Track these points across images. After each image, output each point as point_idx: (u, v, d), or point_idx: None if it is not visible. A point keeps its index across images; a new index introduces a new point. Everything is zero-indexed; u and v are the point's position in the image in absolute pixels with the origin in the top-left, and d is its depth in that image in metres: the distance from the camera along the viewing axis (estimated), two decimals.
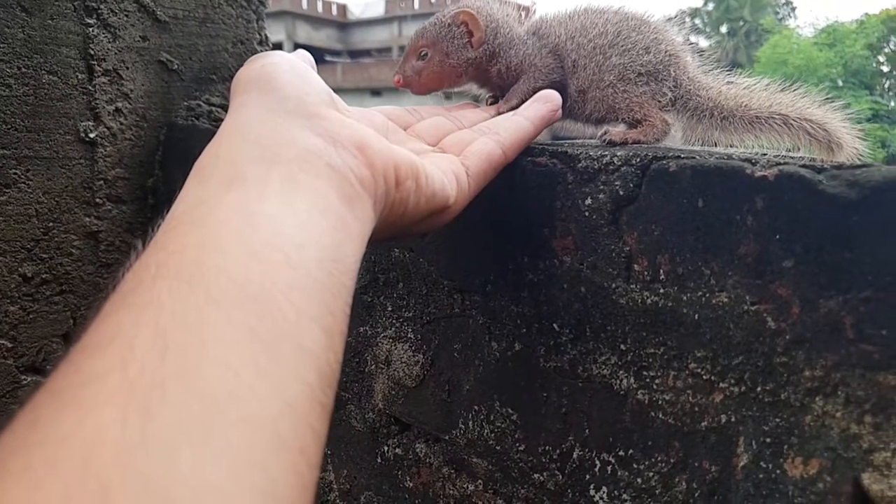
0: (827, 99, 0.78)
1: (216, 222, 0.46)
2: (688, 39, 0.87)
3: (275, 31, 30.18)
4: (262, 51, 1.47)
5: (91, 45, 1.25)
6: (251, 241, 0.45)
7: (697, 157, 0.65)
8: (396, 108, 0.81)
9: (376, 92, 27.84)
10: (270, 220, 0.47)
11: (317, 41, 32.53)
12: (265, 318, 0.42)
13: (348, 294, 0.50)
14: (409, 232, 0.67)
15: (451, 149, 0.73)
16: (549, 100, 0.78)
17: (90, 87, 1.27)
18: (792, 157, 0.65)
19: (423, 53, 0.87)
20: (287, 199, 0.50)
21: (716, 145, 0.83)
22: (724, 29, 39.52)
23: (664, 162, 0.66)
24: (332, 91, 0.62)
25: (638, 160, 0.68)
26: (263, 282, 0.43)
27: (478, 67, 0.88)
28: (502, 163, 0.73)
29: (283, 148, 0.53)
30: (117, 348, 0.38)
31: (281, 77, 0.59)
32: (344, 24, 35.03)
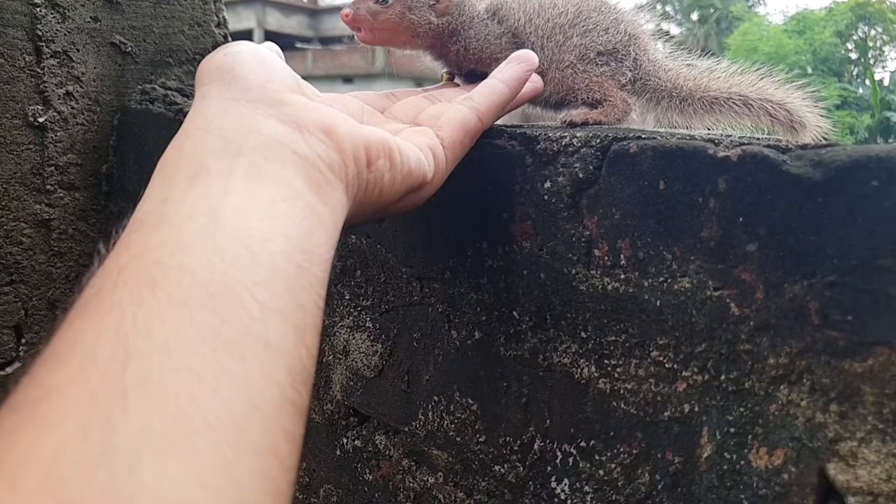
0: (789, 79, 0.76)
1: (180, 220, 0.45)
2: (658, 27, 0.85)
3: (245, 18, 29.91)
4: (220, 33, 1.44)
5: (39, 26, 1.21)
6: (215, 238, 0.44)
7: (659, 137, 0.63)
8: (373, 93, 0.79)
9: (348, 79, 27.69)
10: (235, 214, 0.46)
11: (287, 28, 32.30)
12: (228, 317, 0.41)
13: (321, 286, 0.48)
14: (389, 212, 0.65)
15: (426, 122, 0.70)
16: (523, 59, 0.74)
17: (38, 70, 1.22)
18: (757, 138, 0.63)
19: None
20: (251, 190, 0.48)
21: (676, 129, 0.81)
22: (694, 16, 39.63)
23: (624, 143, 0.64)
24: (298, 77, 0.61)
25: (598, 141, 0.66)
26: (226, 279, 0.42)
27: (437, 37, 0.85)
28: (479, 129, 0.70)
29: (246, 138, 0.51)
30: (77, 358, 0.37)
31: (244, 66, 0.58)
32: (315, 11, 34.75)
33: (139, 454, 0.33)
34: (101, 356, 0.36)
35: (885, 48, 30.96)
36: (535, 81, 0.78)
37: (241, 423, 0.37)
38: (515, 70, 0.73)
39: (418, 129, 0.68)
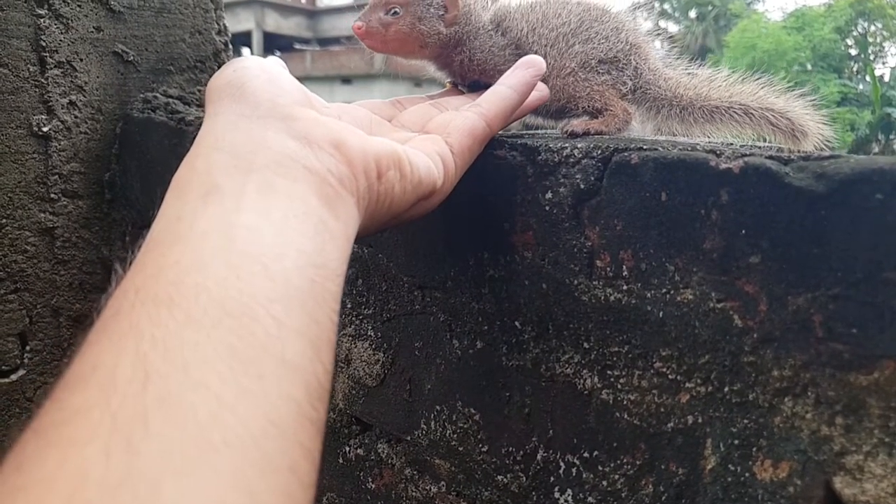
0: (790, 87, 0.76)
1: (194, 238, 0.45)
2: (657, 25, 0.85)
3: (243, 20, 29.91)
4: (220, 40, 1.44)
5: (43, 37, 1.21)
6: (229, 255, 0.44)
7: (660, 148, 0.62)
8: (380, 101, 0.79)
9: (346, 80, 27.68)
10: (248, 231, 0.46)
11: (286, 29, 32.31)
12: (245, 335, 0.41)
13: (334, 300, 0.48)
14: (399, 220, 0.65)
15: (435, 131, 0.70)
16: (531, 65, 0.73)
17: (42, 80, 1.23)
18: (759, 148, 0.63)
19: (393, 10, 0.82)
20: (264, 207, 0.48)
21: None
22: (692, 14, 39.54)
23: (626, 154, 0.64)
24: (307, 90, 0.61)
25: (599, 152, 0.66)
26: (242, 297, 0.42)
27: (443, 47, 0.85)
28: (487, 135, 0.70)
29: (257, 154, 0.52)
30: (98, 380, 0.37)
31: (252, 82, 0.58)
32: (313, 12, 34.71)
33: (161, 475, 0.33)
34: (122, 377, 0.37)
35: (886, 44, 30.92)
36: (541, 90, 0.78)
37: (260, 441, 0.37)
38: (523, 75, 0.73)
39: (427, 136, 0.68)
